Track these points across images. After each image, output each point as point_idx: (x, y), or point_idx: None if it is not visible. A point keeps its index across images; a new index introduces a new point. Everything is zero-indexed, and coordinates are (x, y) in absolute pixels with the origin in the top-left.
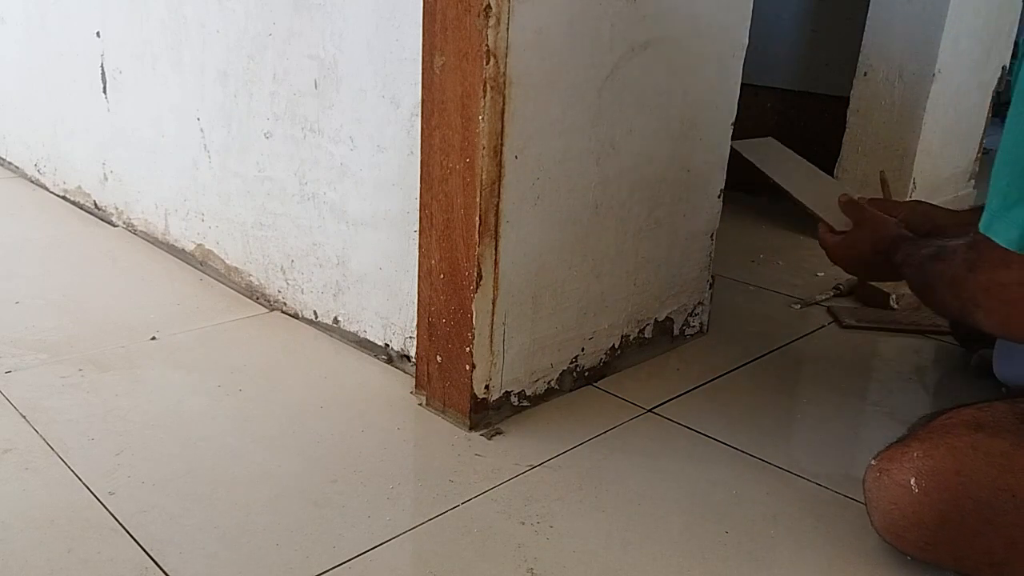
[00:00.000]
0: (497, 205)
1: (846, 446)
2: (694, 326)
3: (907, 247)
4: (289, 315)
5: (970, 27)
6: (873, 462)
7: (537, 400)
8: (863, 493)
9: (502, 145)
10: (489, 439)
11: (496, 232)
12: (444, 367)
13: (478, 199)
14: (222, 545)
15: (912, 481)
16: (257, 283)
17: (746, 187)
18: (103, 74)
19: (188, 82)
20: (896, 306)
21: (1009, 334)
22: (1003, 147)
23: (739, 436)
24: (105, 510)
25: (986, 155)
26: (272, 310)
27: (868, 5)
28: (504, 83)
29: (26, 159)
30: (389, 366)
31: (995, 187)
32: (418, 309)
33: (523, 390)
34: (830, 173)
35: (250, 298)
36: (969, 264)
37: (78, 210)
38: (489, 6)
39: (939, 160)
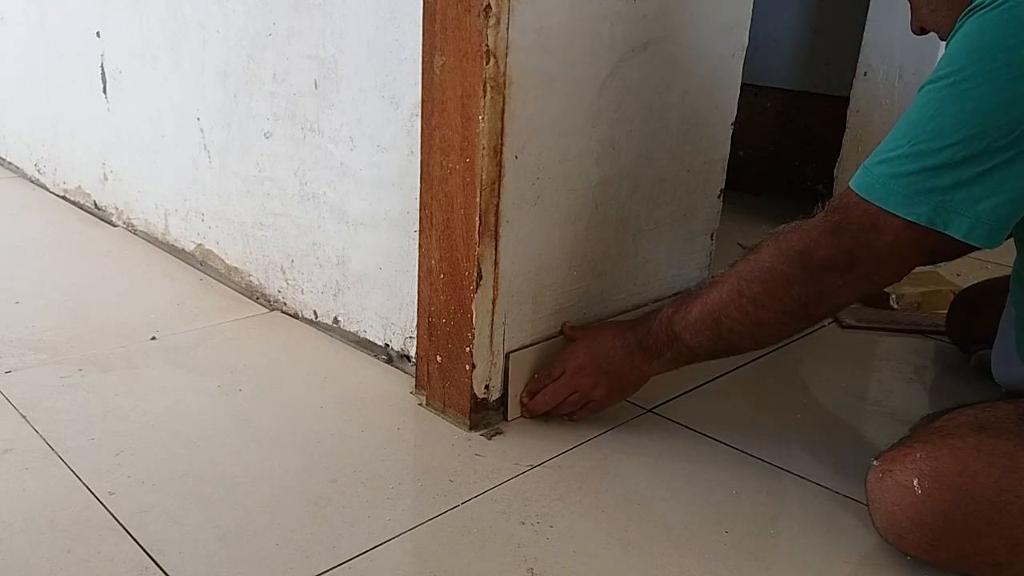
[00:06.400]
0: (497, 205)
1: (846, 446)
2: None
3: (667, 306)
4: (289, 315)
5: None
6: (875, 463)
7: None
8: (865, 494)
9: (502, 145)
10: (489, 439)
11: (496, 232)
12: (444, 367)
13: (478, 199)
14: (222, 545)
15: (915, 482)
16: (257, 283)
17: (746, 187)
18: (103, 74)
19: (188, 82)
20: (896, 306)
21: (870, 291)
22: (914, 112)
23: (739, 436)
24: (105, 510)
25: None
26: (272, 310)
27: (868, 5)
28: (504, 83)
29: (26, 159)
30: (389, 366)
31: (892, 152)
32: (418, 309)
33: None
34: (830, 174)
35: (250, 298)
36: (832, 228)
37: (78, 210)
38: (489, 6)
39: None
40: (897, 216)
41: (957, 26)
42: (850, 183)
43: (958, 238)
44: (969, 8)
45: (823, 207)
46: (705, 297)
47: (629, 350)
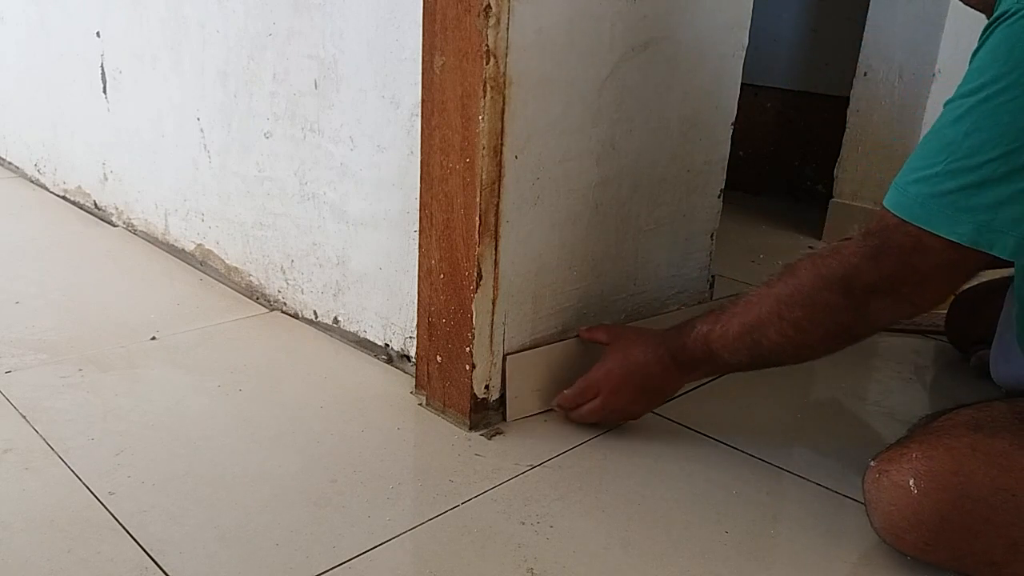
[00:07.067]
0: (497, 205)
1: (846, 446)
2: None
3: (700, 321)
4: (289, 315)
5: (970, 27)
6: (872, 463)
7: None
8: (863, 494)
9: (502, 145)
10: (489, 439)
11: (496, 232)
12: (444, 367)
13: (478, 199)
14: (222, 545)
15: (911, 482)
16: (257, 283)
17: (746, 187)
18: (103, 74)
19: (188, 82)
20: None
21: (915, 313)
22: (946, 128)
23: (739, 436)
24: (105, 510)
25: None
26: (272, 310)
27: (868, 5)
28: (504, 83)
29: (26, 159)
30: (389, 366)
31: (928, 170)
32: (418, 309)
33: None
34: (830, 174)
35: (250, 298)
36: (872, 252)
37: (78, 210)
38: (489, 6)
39: None
40: (940, 236)
41: (985, 36)
42: (885, 203)
43: (1005, 258)
44: (995, 17)
45: (859, 229)
46: (743, 317)
47: (664, 366)
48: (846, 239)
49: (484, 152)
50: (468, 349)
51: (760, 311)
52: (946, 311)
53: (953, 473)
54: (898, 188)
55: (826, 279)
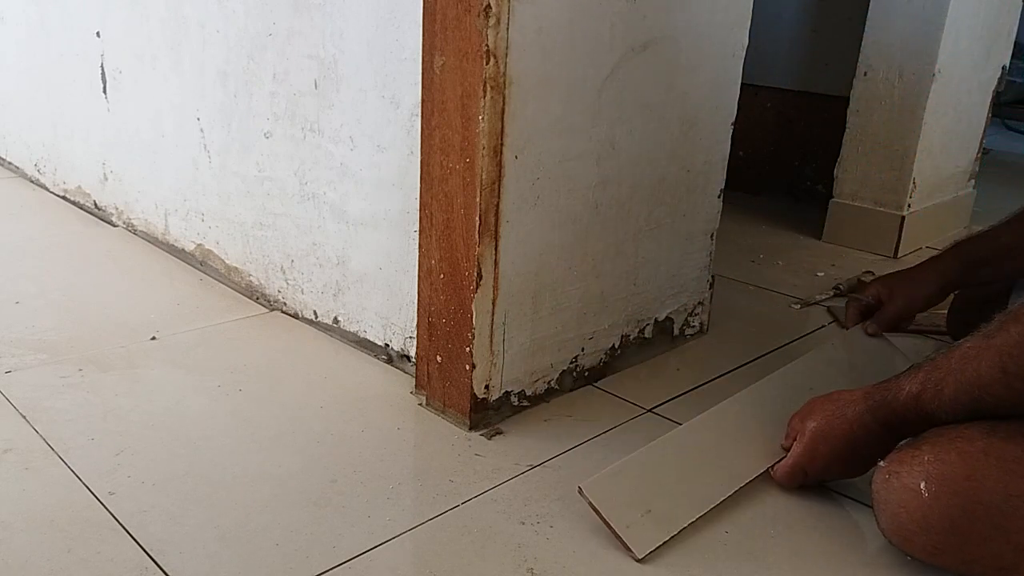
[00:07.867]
0: (497, 205)
1: None
2: (694, 326)
3: (907, 381)
4: (289, 315)
5: (970, 27)
6: (882, 464)
7: (537, 400)
8: (871, 495)
9: (502, 145)
10: (489, 439)
11: (496, 232)
12: (444, 367)
13: (478, 199)
14: (222, 545)
15: (922, 485)
16: (257, 283)
17: (746, 187)
18: (103, 74)
19: (188, 82)
20: None
21: None
22: None
23: None
24: (105, 510)
25: (986, 155)
26: (272, 310)
27: (868, 5)
28: (504, 83)
29: (26, 159)
30: (389, 366)
31: None
32: (418, 309)
33: (523, 390)
34: (830, 174)
35: (250, 298)
36: None
37: (78, 210)
38: (489, 6)
39: (939, 160)
40: None
41: None
42: None
43: None
44: None
45: None
46: (958, 375)
47: (872, 435)
48: None
49: (484, 152)
50: (468, 349)
51: (980, 367)
52: (947, 311)
53: (965, 478)
54: None
55: None
